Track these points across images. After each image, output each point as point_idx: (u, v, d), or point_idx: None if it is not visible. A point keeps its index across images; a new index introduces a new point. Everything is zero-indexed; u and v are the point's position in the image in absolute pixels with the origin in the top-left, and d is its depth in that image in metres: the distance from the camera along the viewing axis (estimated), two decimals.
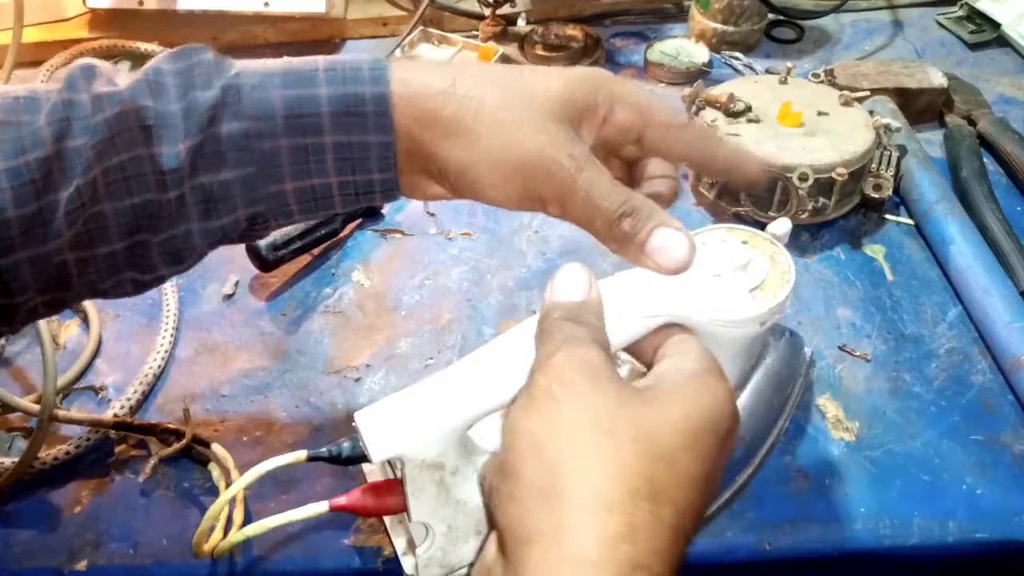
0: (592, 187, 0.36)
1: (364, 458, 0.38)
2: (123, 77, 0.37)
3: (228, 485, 0.49)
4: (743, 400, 0.48)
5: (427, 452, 0.37)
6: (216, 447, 0.51)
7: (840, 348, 0.57)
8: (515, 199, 0.37)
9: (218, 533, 0.46)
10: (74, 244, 0.35)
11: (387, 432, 0.36)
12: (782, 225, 0.42)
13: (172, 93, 0.36)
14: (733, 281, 0.39)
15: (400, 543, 0.45)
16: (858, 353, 0.56)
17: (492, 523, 0.31)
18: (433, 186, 0.38)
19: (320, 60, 0.37)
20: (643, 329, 0.36)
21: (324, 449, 0.41)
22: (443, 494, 0.39)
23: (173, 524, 0.48)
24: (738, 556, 0.47)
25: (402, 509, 0.39)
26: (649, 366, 0.37)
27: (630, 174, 0.41)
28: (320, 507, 0.42)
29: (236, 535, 0.44)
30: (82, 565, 0.46)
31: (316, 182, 0.37)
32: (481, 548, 0.33)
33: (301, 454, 0.42)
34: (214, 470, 0.50)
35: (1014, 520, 0.47)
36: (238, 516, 0.48)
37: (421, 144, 0.36)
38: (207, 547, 0.45)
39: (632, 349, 0.37)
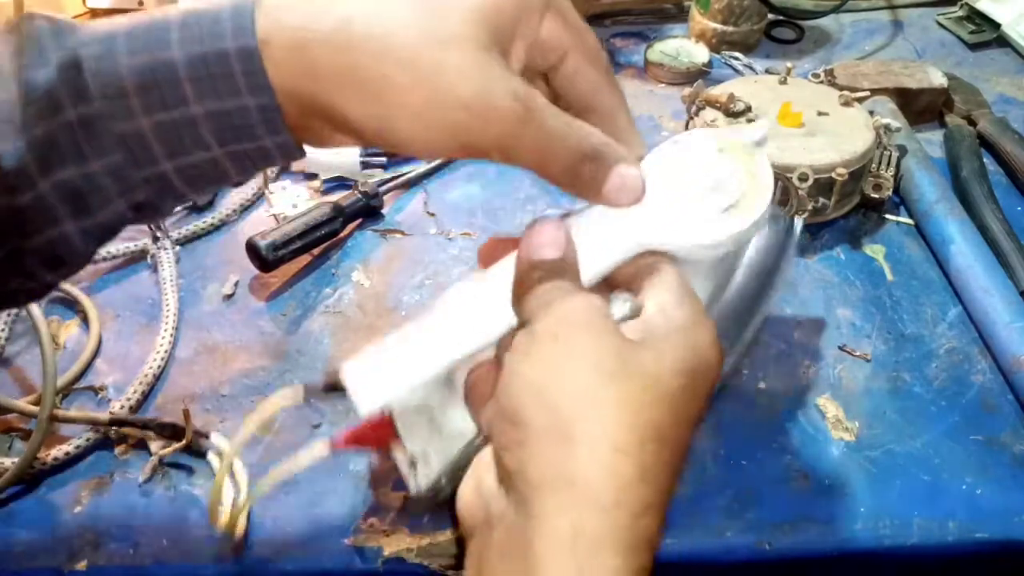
0: (545, 132, 0.32)
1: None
2: None
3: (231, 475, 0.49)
4: (727, 297, 0.46)
5: (412, 399, 0.38)
6: (215, 436, 0.51)
7: (840, 348, 0.57)
8: (444, 151, 0.33)
9: (228, 507, 0.47)
10: None
11: (371, 386, 0.36)
12: (758, 129, 0.38)
13: (6, 79, 0.30)
14: (707, 202, 0.36)
15: (404, 465, 0.45)
16: (858, 353, 0.56)
17: (498, 465, 0.31)
18: (340, 136, 0.33)
19: (172, 12, 0.31)
20: (615, 261, 0.35)
21: (320, 383, 0.41)
22: (435, 430, 0.41)
23: (173, 524, 0.48)
24: (738, 556, 0.47)
25: (393, 436, 0.41)
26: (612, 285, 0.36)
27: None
28: (321, 448, 0.41)
29: (243, 501, 0.43)
30: (82, 565, 0.46)
31: (198, 158, 0.32)
32: (469, 479, 0.34)
33: (298, 389, 0.41)
34: (214, 460, 0.50)
35: (1014, 520, 0.47)
36: (241, 497, 0.48)
37: (315, 98, 0.31)
38: (222, 521, 0.44)
39: (605, 279, 0.37)
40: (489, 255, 0.37)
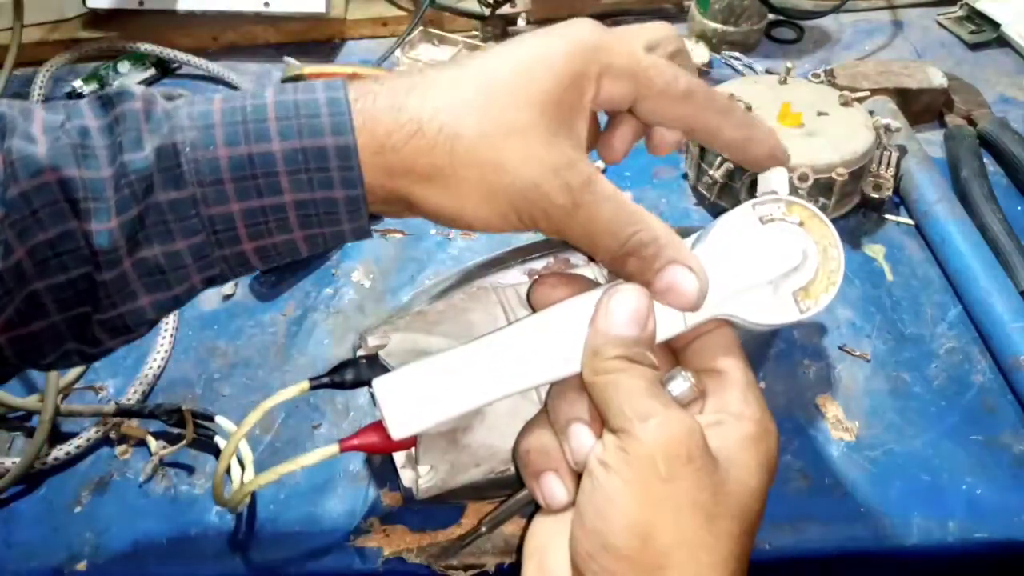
0: (591, 224, 0.33)
1: (365, 383, 0.39)
2: (38, 123, 0.31)
3: (239, 463, 0.50)
4: None
5: (445, 427, 0.38)
6: (220, 418, 0.51)
7: (840, 348, 0.57)
8: (510, 229, 0.34)
9: (234, 486, 0.47)
10: (6, 327, 0.31)
11: (409, 412, 0.35)
12: (779, 177, 0.37)
13: (100, 157, 0.31)
14: (782, 284, 0.36)
15: (400, 458, 0.46)
16: (858, 353, 0.56)
17: None
18: (413, 215, 0.35)
19: (269, 103, 0.32)
20: (683, 328, 0.35)
21: (326, 377, 0.41)
22: (452, 445, 0.41)
23: (173, 524, 0.48)
24: None
25: (411, 446, 0.41)
26: (675, 351, 0.37)
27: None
28: (331, 449, 0.41)
29: (249, 484, 0.43)
30: (82, 565, 0.46)
31: (278, 239, 0.33)
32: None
33: (304, 384, 0.41)
34: (220, 441, 0.50)
35: (1014, 520, 0.47)
36: (248, 476, 0.48)
37: (395, 190, 0.33)
38: (228, 498, 0.44)
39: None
40: (542, 296, 0.37)
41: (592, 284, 0.37)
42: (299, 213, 0.33)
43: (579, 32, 0.34)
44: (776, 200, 0.36)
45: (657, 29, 0.37)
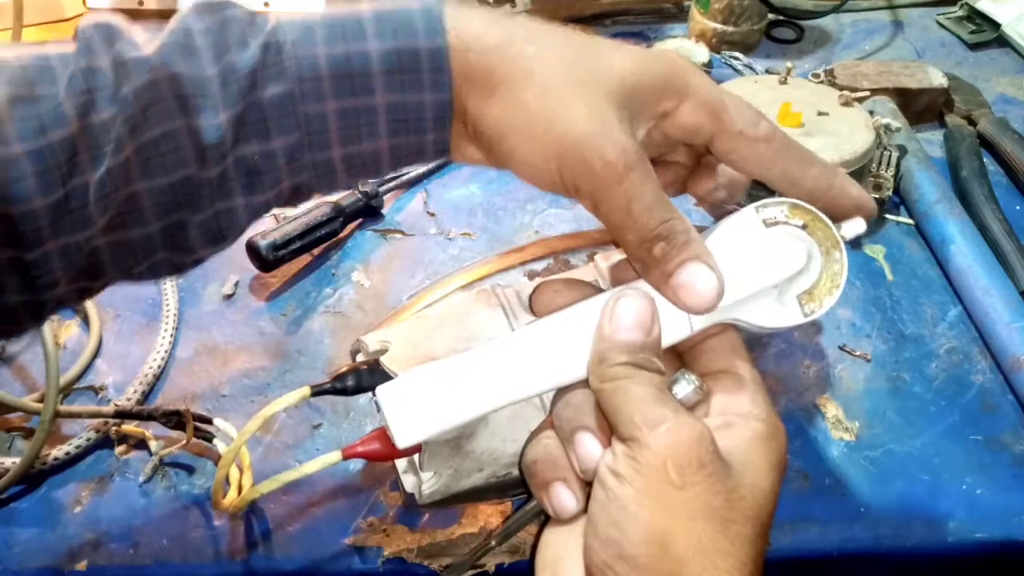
0: (634, 195, 0.32)
1: (367, 389, 0.39)
2: (142, 35, 0.33)
3: (238, 468, 0.49)
4: None
5: (451, 434, 0.38)
6: (219, 421, 0.51)
7: (840, 348, 0.57)
8: (548, 183, 0.34)
9: (233, 491, 0.47)
10: (107, 229, 0.32)
11: (414, 421, 0.35)
12: (856, 226, 0.36)
13: (206, 56, 0.32)
14: (785, 288, 0.36)
15: (402, 462, 0.46)
16: (858, 353, 0.56)
17: None
18: (471, 148, 0.36)
19: (366, 9, 0.33)
20: (689, 333, 0.35)
21: (328, 383, 0.41)
22: (456, 451, 0.42)
23: (173, 524, 0.48)
24: None
25: (415, 453, 0.41)
26: (679, 355, 0.37)
27: (697, 161, 0.38)
28: (333, 456, 0.41)
29: (250, 492, 0.43)
30: (82, 565, 0.46)
31: (366, 147, 0.34)
32: None
33: (305, 390, 0.41)
34: (219, 444, 0.50)
35: (1014, 520, 0.47)
36: (247, 481, 0.48)
37: (464, 101, 0.33)
38: (226, 503, 0.44)
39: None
40: (545, 302, 0.37)
41: (595, 290, 0.37)
42: (389, 118, 0.34)
43: (671, 55, 0.36)
44: (779, 203, 0.36)
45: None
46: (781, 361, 0.56)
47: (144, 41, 0.32)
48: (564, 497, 0.35)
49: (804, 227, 0.36)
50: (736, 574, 0.31)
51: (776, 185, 0.37)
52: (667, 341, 0.35)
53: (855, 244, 0.64)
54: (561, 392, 0.36)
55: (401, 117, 0.34)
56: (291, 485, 0.49)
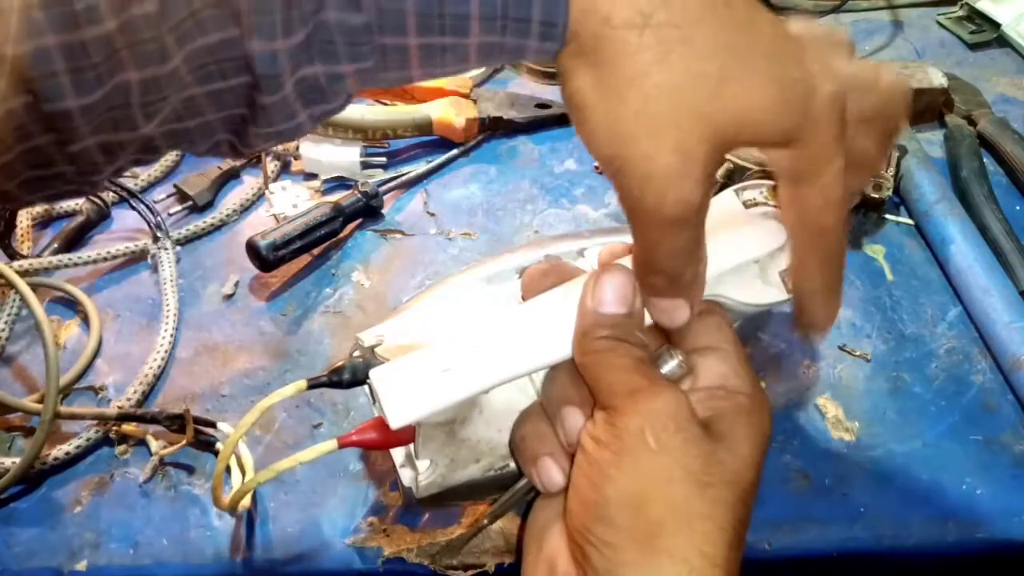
0: (667, 244, 0.32)
1: (363, 381, 0.40)
2: None
3: (240, 466, 0.50)
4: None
5: (444, 416, 0.39)
6: (223, 425, 0.51)
7: (840, 348, 0.57)
8: (597, 161, 0.32)
9: (234, 486, 0.47)
10: (161, 124, 0.30)
11: (407, 401, 0.36)
12: None
13: None
14: (768, 264, 0.37)
15: (399, 457, 0.46)
16: (858, 353, 0.56)
17: (582, 559, 0.33)
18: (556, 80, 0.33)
19: None
20: None
21: (324, 376, 0.41)
22: (450, 438, 0.42)
23: (173, 524, 0.48)
24: None
25: (409, 441, 0.41)
26: (666, 333, 0.37)
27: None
28: (329, 444, 0.41)
29: (248, 482, 0.43)
30: (82, 565, 0.46)
31: (450, 69, 0.31)
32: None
33: (301, 383, 0.42)
34: (222, 458, 0.50)
35: (1014, 520, 0.47)
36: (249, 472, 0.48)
37: (566, 59, 0.30)
38: (226, 500, 0.44)
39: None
40: (533, 285, 0.37)
41: (580, 272, 0.38)
42: (481, 53, 0.30)
43: (824, 81, 0.31)
44: (757, 185, 0.37)
45: (894, 96, 0.35)
46: (781, 361, 0.56)
47: None
48: (551, 470, 0.35)
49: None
50: (713, 537, 0.31)
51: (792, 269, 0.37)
52: (651, 317, 0.36)
53: (855, 244, 0.64)
54: (549, 371, 0.37)
55: (496, 55, 0.30)
56: (291, 485, 0.49)
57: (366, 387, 0.45)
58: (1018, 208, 0.67)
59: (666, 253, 0.32)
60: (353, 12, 0.28)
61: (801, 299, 0.37)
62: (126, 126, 0.29)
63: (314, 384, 0.42)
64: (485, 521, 0.42)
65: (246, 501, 0.47)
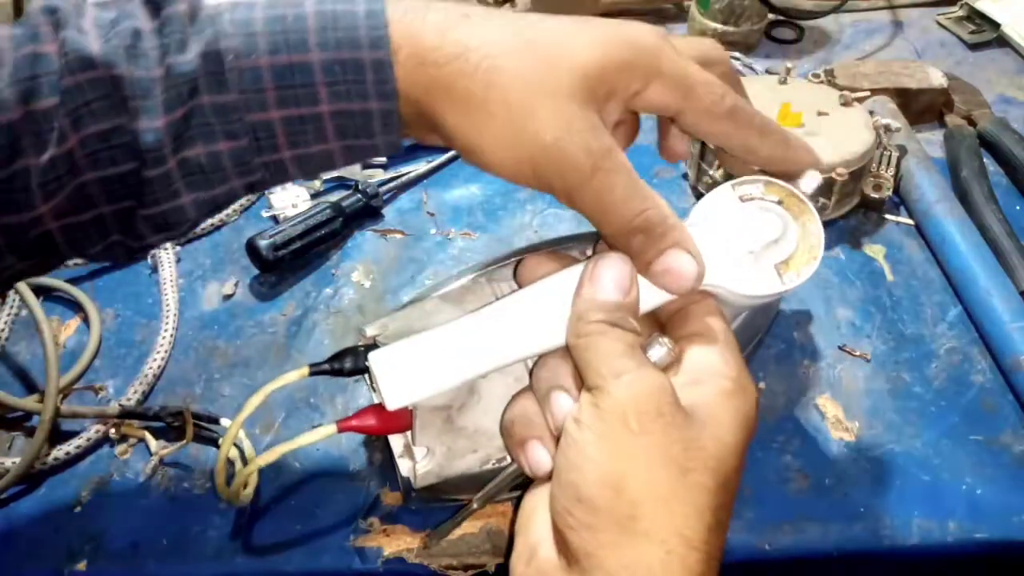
0: (604, 192, 0.33)
1: (364, 370, 0.40)
2: (90, 19, 0.33)
3: (242, 458, 0.50)
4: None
5: (440, 400, 0.39)
6: (225, 421, 0.51)
7: (840, 348, 0.57)
8: (523, 181, 0.35)
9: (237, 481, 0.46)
10: (57, 214, 0.33)
11: (404, 383, 0.36)
12: (811, 180, 0.39)
13: (150, 57, 0.32)
14: (763, 256, 0.37)
15: (397, 447, 0.46)
16: (858, 353, 0.56)
17: (562, 543, 0.33)
18: (434, 136, 0.36)
19: (309, 12, 0.33)
20: (668, 298, 0.37)
21: (326, 363, 0.42)
22: (448, 425, 0.42)
23: (173, 524, 0.48)
24: (737, 556, 0.47)
25: (407, 428, 0.42)
26: (661, 323, 0.38)
27: (667, 125, 0.39)
28: (329, 429, 0.41)
29: (250, 465, 0.43)
30: (82, 565, 0.46)
31: (315, 149, 0.35)
32: (513, 545, 0.36)
33: (304, 369, 0.42)
34: (224, 444, 0.50)
35: (1014, 520, 0.47)
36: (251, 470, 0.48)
37: (428, 110, 0.34)
38: (231, 488, 0.44)
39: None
40: (528, 272, 0.38)
41: (576, 261, 0.38)
42: (335, 123, 0.34)
43: (642, 31, 0.35)
44: (755, 181, 0.38)
45: (711, 47, 0.39)
46: (781, 361, 0.56)
47: (93, 26, 0.33)
48: (539, 454, 0.36)
49: (780, 203, 0.38)
50: (692, 520, 0.31)
51: (735, 153, 0.38)
52: (646, 306, 0.36)
53: (855, 244, 0.64)
54: (541, 357, 0.37)
55: (348, 123, 0.34)
56: (292, 485, 0.49)
57: (367, 381, 0.46)
58: (1018, 208, 0.67)
59: (616, 204, 0.33)
60: (223, 93, 0.32)
61: (774, 163, 0.38)
62: (26, 207, 0.32)
63: (316, 371, 0.42)
64: (474, 505, 0.42)
65: (248, 490, 0.47)
